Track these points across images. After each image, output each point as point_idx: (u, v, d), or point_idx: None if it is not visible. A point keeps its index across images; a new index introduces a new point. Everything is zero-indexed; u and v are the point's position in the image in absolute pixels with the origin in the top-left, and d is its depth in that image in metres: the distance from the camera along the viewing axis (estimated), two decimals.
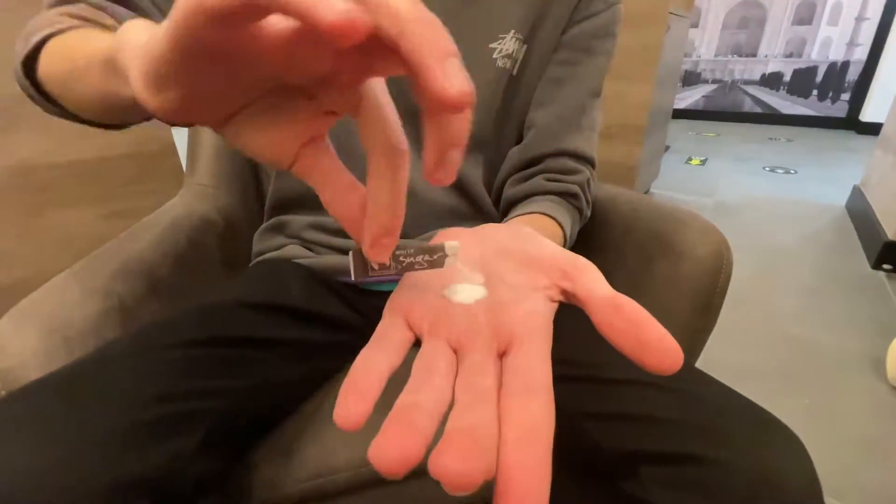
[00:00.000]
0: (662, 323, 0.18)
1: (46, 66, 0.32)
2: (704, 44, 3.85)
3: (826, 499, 0.28)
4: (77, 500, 0.24)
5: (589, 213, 0.51)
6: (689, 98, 4.06)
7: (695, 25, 3.80)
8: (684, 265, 0.43)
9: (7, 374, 0.30)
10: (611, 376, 0.34)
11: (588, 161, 0.51)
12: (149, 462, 0.27)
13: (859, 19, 3.31)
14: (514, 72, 0.49)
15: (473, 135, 0.49)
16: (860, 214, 1.78)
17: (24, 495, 0.23)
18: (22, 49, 0.33)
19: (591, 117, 0.51)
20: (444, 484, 0.13)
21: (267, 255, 0.52)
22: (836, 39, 3.42)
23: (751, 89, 3.82)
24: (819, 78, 3.56)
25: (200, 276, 0.48)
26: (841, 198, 2.07)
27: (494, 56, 0.47)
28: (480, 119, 0.49)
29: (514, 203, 0.50)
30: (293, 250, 0.51)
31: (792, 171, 2.53)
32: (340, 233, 0.51)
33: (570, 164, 0.49)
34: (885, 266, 1.46)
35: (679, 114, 4.11)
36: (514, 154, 0.52)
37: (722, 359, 0.34)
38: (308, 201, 0.52)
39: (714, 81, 3.93)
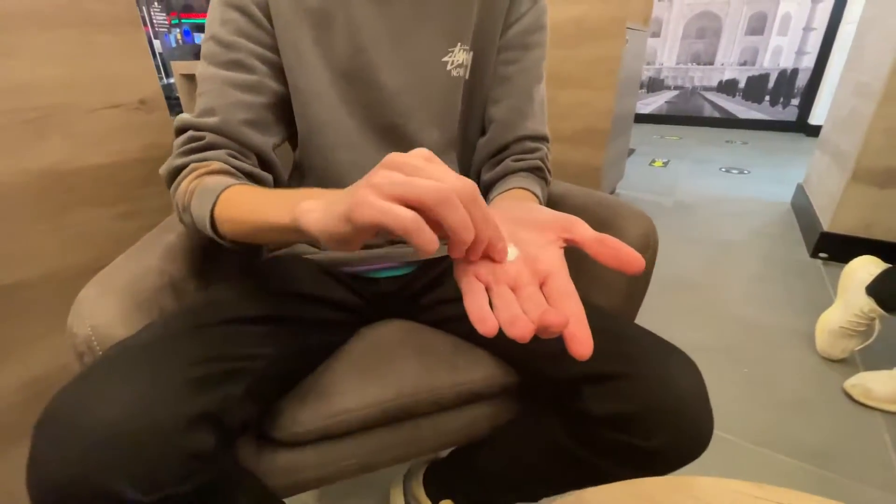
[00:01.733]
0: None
1: (227, 229, 0.42)
2: (666, 52, 4.08)
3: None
4: (164, 424, 0.33)
5: (551, 180, 0.62)
6: (654, 103, 4.28)
7: (657, 35, 4.03)
8: None
9: (97, 329, 0.38)
10: None
11: (543, 139, 0.61)
12: (208, 402, 0.36)
13: (806, 29, 3.57)
14: (467, 76, 0.58)
15: (446, 137, 0.60)
16: (802, 209, 1.97)
17: (132, 420, 0.32)
18: (202, 222, 0.43)
19: (538, 100, 0.61)
20: (551, 329, 0.25)
21: (280, 252, 0.61)
22: (785, 48, 3.68)
23: (709, 95, 4.07)
24: (771, 84, 3.82)
25: (224, 262, 0.57)
26: (787, 195, 2.26)
27: (448, 68, 0.56)
28: (449, 123, 0.59)
29: (491, 185, 0.60)
30: (302, 247, 0.60)
31: (745, 172, 2.73)
32: None
33: (530, 144, 0.60)
34: (822, 254, 1.63)
35: (645, 118, 4.34)
36: (482, 146, 0.62)
37: (675, 337, 0.45)
38: None
39: (676, 88, 4.16)
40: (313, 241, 0.34)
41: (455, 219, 0.25)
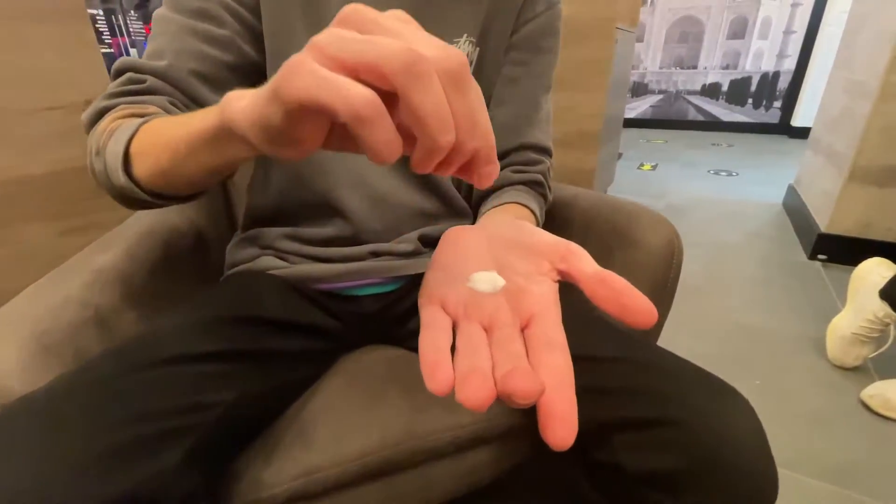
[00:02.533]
0: None
1: (143, 166, 0.34)
2: (650, 57, 4.09)
3: (780, 470, 0.32)
4: None
5: (551, 198, 0.55)
6: (639, 108, 4.28)
7: (640, 40, 4.03)
8: (640, 254, 0.47)
9: None
10: (585, 354, 0.37)
11: (546, 151, 0.55)
12: (131, 482, 0.27)
13: (787, 33, 3.61)
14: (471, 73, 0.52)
15: None
16: (795, 211, 1.93)
17: None
18: (114, 161, 0.35)
19: (545, 111, 0.55)
20: (514, 399, 0.18)
21: (241, 267, 0.52)
22: (766, 52, 3.71)
23: (693, 99, 4.08)
24: (753, 87, 3.84)
25: (175, 285, 0.48)
26: (778, 196, 2.23)
27: None
28: None
29: (485, 196, 0.53)
30: (267, 261, 0.52)
31: (734, 174, 2.71)
32: (314, 242, 0.52)
33: (532, 155, 0.53)
34: (820, 256, 1.59)
35: (630, 123, 4.33)
36: None
37: (679, 348, 0.38)
38: (283, 216, 0.53)
39: (660, 92, 4.17)
40: (250, 150, 0.24)
41: (426, 102, 0.16)
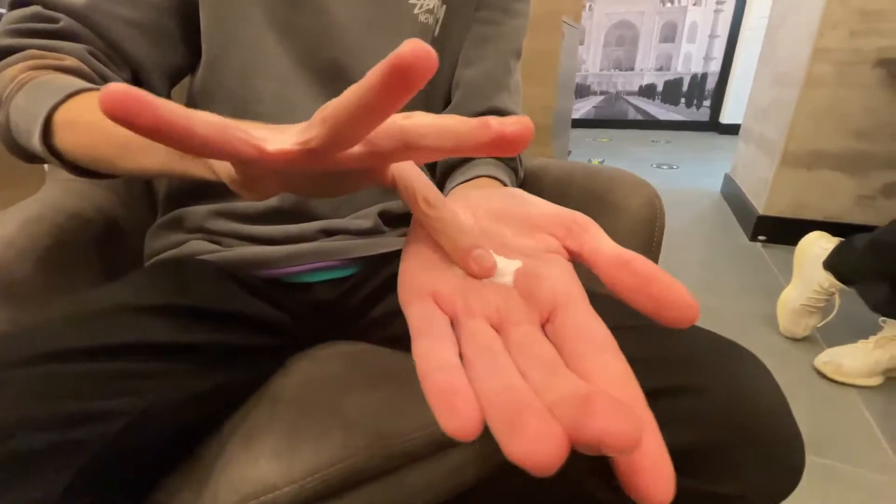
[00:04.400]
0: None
1: (70, 139, 0.30)
2: (590, 59, 4.25)
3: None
4: None
5: (522, 175, 0.50)
6: (583, 108, 4.44)
7: (581, 42, 4.18)
8: (623, 219, 0.44)
9: None
10: None
11: None
12: None
13: (712, 37, 3.87)
14: (437, 32, 0.47)
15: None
16: (733, 197, 2.04)
17: None
18: (28, 123, 0.30)
19: (515, 79, 0.51)
20: (604, 448, 0.11)
21: (164, 255, 0.44)
22: (695, 54, 3.96)
23: (632, 99, 4.28)
24: (685, 88, 4.09)
25: (73, 282, 0.39)
26: (715, 185, 2.37)
27: (416, 12, 0.44)
28: None
29: (453, 166, 0.48)
30: (196, 246, 0.43)
31: (674, 167, 2.86)
32: (251, 218, 0.44)
33: None
34: (760, 237, 1.68)
35: (576, 123, 4.47)
36: None
37: None
38: (209, 188, 0.44)
39: (602, 93, 4.34)
40: (212, 176, 0.22)
41: None
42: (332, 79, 0.44)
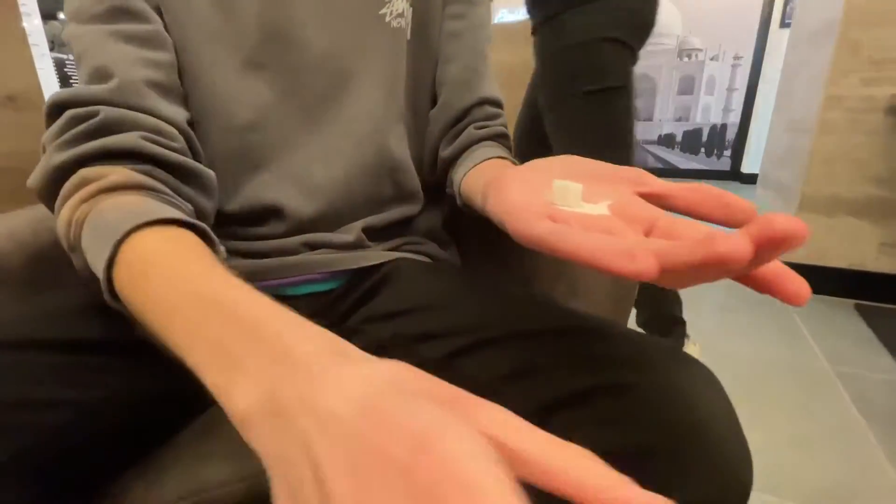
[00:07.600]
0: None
1: (123, 291, 0.26)
2: None
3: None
4: None
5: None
6: None
7: None
8: None
9: None
10: (523, 328, 0.32)
11: (500, 104, 0.52)
12: None
13: (730, 90, 3.93)
14: (409, 36, 0.49)
15: (392, 107, 0.49)
16: None
17: None
18: (97, 277, 0.27)
19: (488, 64, 0.53)
20: (788, 242, 0.15)
21: None
22: (713, 106, 4.01)
23: (651, 148, 4.33)
24: (704, 138, 4.12)
25: (59, 278, 0.41)
26: None
27: (388, 20, 0.46)
28: (394, 88, 0.48)
29: (453, 160, 0.49)
30: None
31: None
32: (236, 232, 0.46)
33: (491, 109, 0.51)
34: None
35: None
36: (437, 115, 0.51)
37: None
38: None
39: None
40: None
41: None
42: (323, 115, 0.45)
